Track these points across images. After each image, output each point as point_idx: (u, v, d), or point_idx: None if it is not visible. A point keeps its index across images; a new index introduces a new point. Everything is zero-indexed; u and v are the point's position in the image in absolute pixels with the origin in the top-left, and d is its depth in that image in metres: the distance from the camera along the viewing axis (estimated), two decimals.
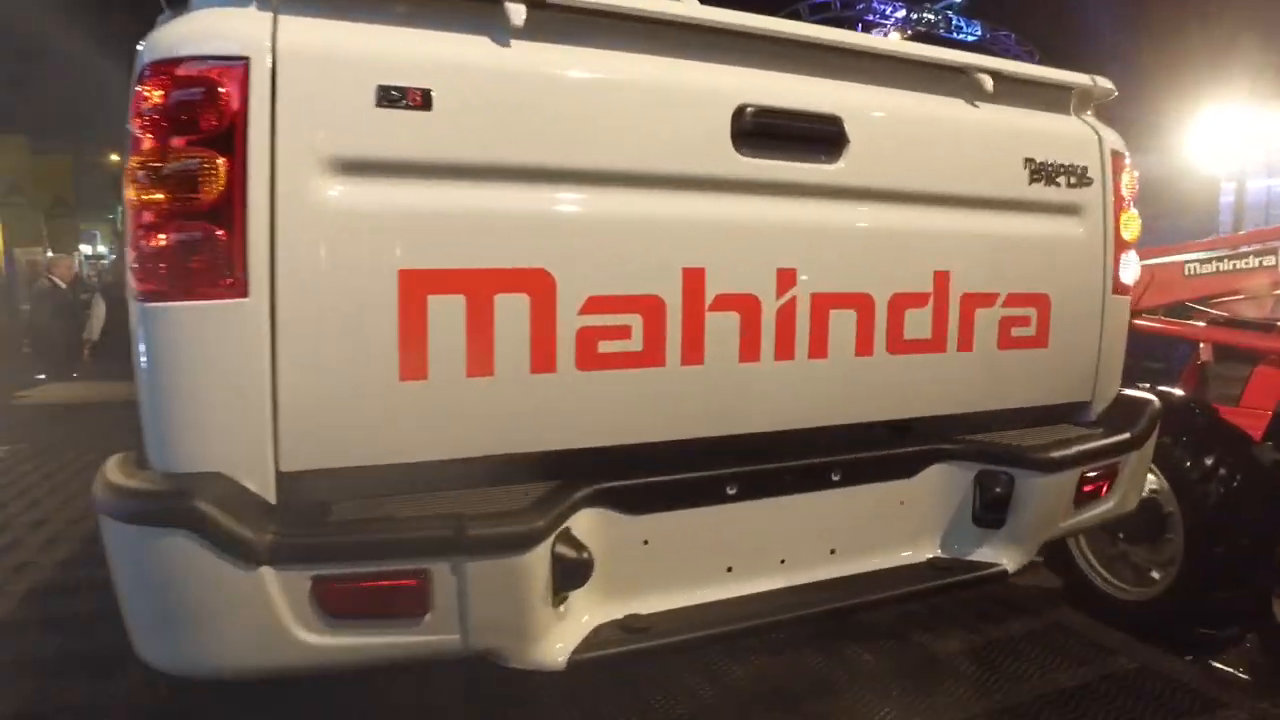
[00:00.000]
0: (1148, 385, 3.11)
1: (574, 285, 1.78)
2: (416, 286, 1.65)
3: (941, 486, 2.27)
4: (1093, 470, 2.34)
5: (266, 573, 1.53)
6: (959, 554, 2.28)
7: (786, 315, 1.99)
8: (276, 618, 1.56)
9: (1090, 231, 2.40)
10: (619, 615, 1.89)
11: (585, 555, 1.76)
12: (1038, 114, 2.39)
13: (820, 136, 2.02)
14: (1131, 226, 2.52)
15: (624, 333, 1.84)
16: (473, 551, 1.62)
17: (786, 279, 1.99)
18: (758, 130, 1.93)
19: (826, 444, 2.14)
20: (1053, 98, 2.42)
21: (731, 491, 2.00)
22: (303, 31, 1.59)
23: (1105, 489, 2.41)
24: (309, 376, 1.60)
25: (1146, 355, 4.68)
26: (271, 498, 1.60)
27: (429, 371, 1.68)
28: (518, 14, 1.68)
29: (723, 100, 1.91)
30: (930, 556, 2.27)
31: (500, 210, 1.73)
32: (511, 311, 1.73)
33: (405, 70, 1.63)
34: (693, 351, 1.90)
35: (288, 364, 1.57)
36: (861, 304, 2.09)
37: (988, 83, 2.22)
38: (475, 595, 1.64)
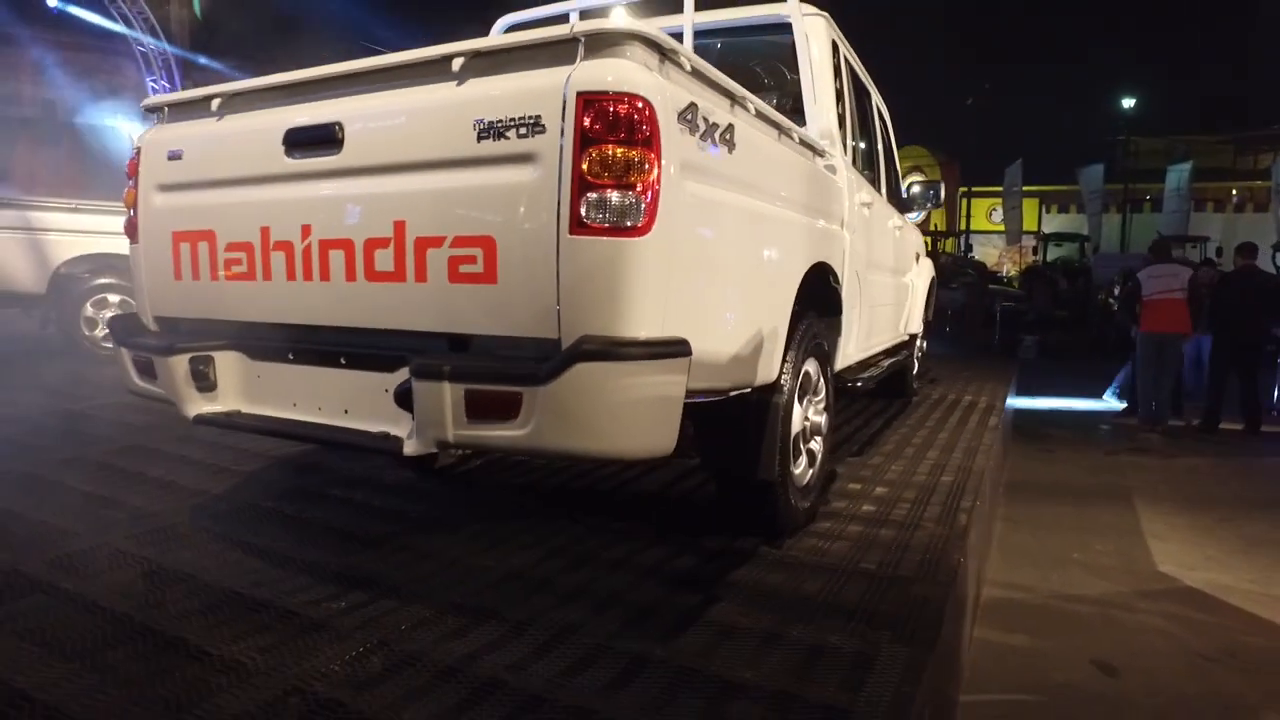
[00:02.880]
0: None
1: (222, 237, 3.05)
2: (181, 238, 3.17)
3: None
4: (480, 389, 2.46)
5: None
6: (396, 431, 2.71)
7: (308, 254, 2.86)
8: None
9: (543, 175, 2.38)
10: (232, 409, 3.13)
11: (207, 370, 3.06)
12: (505, 77, 2.50)
13: (329, 138, 2.75)
14: (603, 164, 2.31)
15: (239, 261, 3.03)
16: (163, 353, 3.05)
17: (307, 231, 2.85)
18: (298, 140, 2.84)
19: (393, 344, 2.73)
20: (528, 58, 2.49)
21: (290, 357, 3.02)
22: None
23: (512, 414, 2.44)
24: None
25: None
26: None
27: (198, 275, 3.16)
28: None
29: (279, 127, 2.89)
30: (386, 430, 2.75)
31: (222, 203, 3.05)
32: (198, 250, 3.13)
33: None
34: (266, 273, 2.98)
35: None
36: (348, 246, 2.76)
37: (455, 64, 2.56)
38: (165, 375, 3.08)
